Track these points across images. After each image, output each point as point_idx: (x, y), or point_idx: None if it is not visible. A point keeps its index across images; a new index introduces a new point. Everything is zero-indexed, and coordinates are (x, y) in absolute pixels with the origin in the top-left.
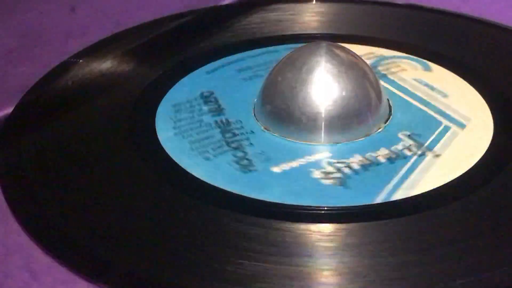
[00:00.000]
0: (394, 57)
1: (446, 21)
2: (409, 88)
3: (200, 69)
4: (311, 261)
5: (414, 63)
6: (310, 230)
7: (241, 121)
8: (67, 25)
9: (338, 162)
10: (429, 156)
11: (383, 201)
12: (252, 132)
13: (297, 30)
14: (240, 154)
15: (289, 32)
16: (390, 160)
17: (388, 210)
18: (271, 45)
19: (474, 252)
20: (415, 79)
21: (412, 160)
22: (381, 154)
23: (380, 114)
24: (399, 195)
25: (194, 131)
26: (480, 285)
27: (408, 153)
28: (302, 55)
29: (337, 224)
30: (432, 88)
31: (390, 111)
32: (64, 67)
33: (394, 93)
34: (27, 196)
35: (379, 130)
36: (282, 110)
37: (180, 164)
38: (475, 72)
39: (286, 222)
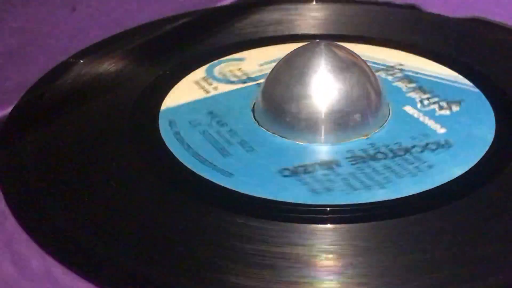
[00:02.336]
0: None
1: (446, 21)
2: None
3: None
4: (291, 260)
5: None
6: (290, 228)
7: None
8: (67, 25)
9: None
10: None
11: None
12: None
13: (297, 30)
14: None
15: (289, 32)
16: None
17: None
18: (271, 45)
19: (474, 253)
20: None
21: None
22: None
23: (380, 114)
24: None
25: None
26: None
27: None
28: (302, 55)
29: (320, 225)
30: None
31: (390, 112)
32: (64, 67)
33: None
34: (27, 196)
35: (376, 132)
36: (281, 109)
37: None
38: (475, 72)
39: (268, 221)
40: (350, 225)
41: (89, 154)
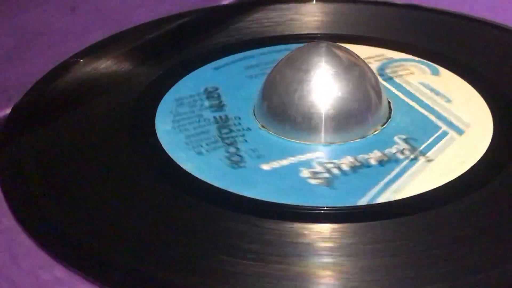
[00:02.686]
0: (403, 59)
1: (446, 21)
2: (414, 92)
3: (208, 65)
4: (285, 259)
5: (423, 66)
6: (286, 228)
7: (239, 118)
8: (67, 25)
9: (329, 163)
10: (421, 160)
11: (367, 203)
12: (249, 129)
13: (297, 30)
14: (232, 150)
15: (289, 32)
16: (381, 163)
17: (371, 213)
18: (271, 45)
19: (474, 253)
20: (421, 83)
21: (404, 164)
22: (373, 156)
23: (380, 114)
24: (383, 198)
25: (191, 126)
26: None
27: (400, 156)
28: (302, 55)
29: (317, 224)
30: (437, 93)
31: (390, 113)
32: (64, 67)
33: (397, 96)
34: (27, 196)
35: (376, 132)
36: (281, 109)
37: (175, 160)
38: (475, 72)
39: (266, 220)
40: (329, 226)
41: (89, 154)
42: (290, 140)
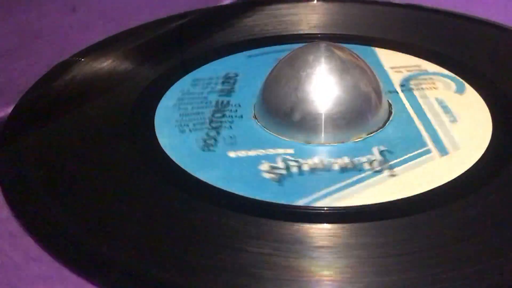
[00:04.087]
0: (434, 73)
1: (446, 21)
2: (423, 106)
3: (208, 65)
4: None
5: (450, 82)
6: (211, 216)
7: (239, 105)
8: (67, 25)
9: (293, 161)
10: (384, 174)
11: (304, 205)
12: (241, 117)
13: (297, 30)
14: (213, 133)
15: (289, 32)
16: (342, 169)
17: (307, 214)
18: (271, 45)
19: (474, 253)
20: (437, 99)
21: (364, 174)
22: (339, 162)
23: (379, 115)
24: (323, 203)
25: (191, 105)
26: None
27: (366, 167)
28: (302, 55)
29: (241, 214)
30: (447, 111)
31: (386, 121)
32: (64, 66)
33: (405, 108)
34: (27, 196)
35: (358, 139)
36: (276, 106)
37: (157, 135)
38: (475, 72)
39: (206, 204)
40: (254, 219)
41: (89, 153)
42: (273, 134)
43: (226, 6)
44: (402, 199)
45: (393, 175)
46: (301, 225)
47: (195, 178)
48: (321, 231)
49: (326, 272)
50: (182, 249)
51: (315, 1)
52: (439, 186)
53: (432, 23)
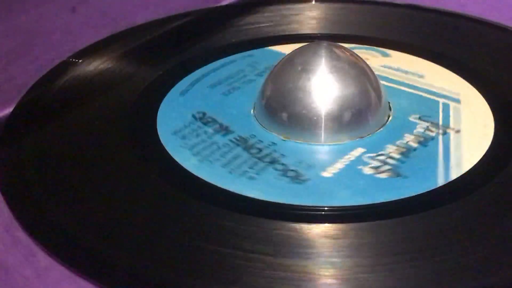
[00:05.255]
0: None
1: (446, 21)
2: (388, 76)
3: (208, 65)
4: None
5: (373, 52)
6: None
7: (254, 135)
8: (67, 25)
9: (377, 155)
10: (451, 132)
11: (445, 183)
12: (274, 143)
13: (297, 30)
14: (280, 167)
15: (289, 32)
16: (421, 143)
17: (451, 191)
18: (271, 45)
19: (474, 253)
20: (383, 66)
21: (440, 139)
22: (409, 139)
23: (381, 112)
24: (454, 174)
25: (215, 155)
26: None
27: (431, 134)
28: (302, 55)
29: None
30: (406, 72)
31: (388, 118)
32: (64, 67)
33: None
34: (27, 196)
35: (357, 139)
36: (279, 108)
37: (183, 165)
38: (475, 72)
39: (206, 204)
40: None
41: (89, 154)
42: (273, 133)
43: (226, 6)
44: (402, 199)
45: (457, 131)
46: (300, 225)
47: (196, 178)
48: (319, 231)
49: (325, 272)
50: (181, 249)
51: (313, 1)
52: (439, 187)
53: (432, 23)
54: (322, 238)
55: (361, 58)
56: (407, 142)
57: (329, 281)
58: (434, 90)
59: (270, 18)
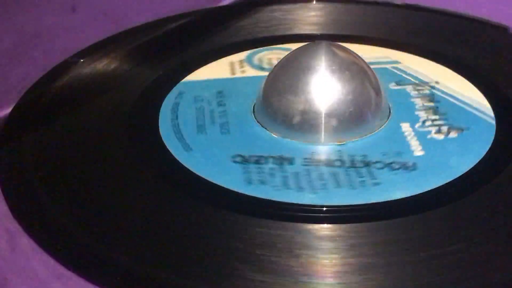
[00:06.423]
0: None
1: (446, 21)
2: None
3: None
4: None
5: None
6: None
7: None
8: (67, 25)
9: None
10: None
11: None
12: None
13: (297, 30)
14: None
15: (289, 32)
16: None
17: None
18: (271, 45)
19: (474, 253)
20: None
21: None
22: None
23: (380, 114)
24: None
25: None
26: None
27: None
28: (302, 55)
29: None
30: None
31: (388, 118)
32: (64, 66)
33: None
34: (27, 196)
35: (357, 139)
36: (279, 108)
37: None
38: (475, 72)
39: (206, 203)
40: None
41: (89, 153)
42: (272, 134)
43: (226, 6)
44: (400, 199)
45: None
46: (296, 224)
47: (198, 177)
48: (317, 231)
49: (325, 272)
50: (181, 249)
51: (314, 2)
52: (437, 187)
53: (432, 23)
54: (322, 238)
55: (361, 58)
56: (449, 130)
57: (329, 281)
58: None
59: (270, 18)
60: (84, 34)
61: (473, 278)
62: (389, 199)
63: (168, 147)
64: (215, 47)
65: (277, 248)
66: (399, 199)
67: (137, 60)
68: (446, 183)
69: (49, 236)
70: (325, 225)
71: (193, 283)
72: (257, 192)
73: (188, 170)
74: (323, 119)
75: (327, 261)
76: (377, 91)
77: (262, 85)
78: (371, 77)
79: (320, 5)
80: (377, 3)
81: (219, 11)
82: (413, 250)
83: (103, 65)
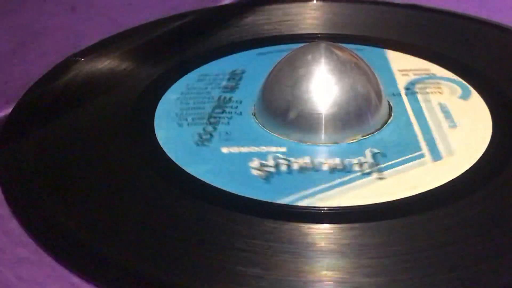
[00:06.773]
0: (441, 78)
1: (446, 21)
2: (425, 111)
3: (207, 64)
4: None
5: (456, 87)
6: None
7: (240, 102)
8: (67, 25)
9: (284, 159)
10: (373, 176)
11: (284, 203)
12: (240, 114)
13: (297, 30)
14: (209, 128)
15: (289, 32)
16: (331, 170)
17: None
18: (271, 45)
19: (474, 253)
20: (440, 103)
21: (352, 176)
22: (330, 162)
23: (378, 117)
24: (305, 202)
25: (194, 100)
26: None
27: (356, 168)
28: (302, 55)
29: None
30: (447, 116)
31: (385, 123)
32: (64, 66)
33: (406, 112)
34: (27, 196)
35: (354, 141)
36: (278, 107)
37: (155, 127)
38: (475, 72)
39: (194, 199)
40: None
41: (89, 153)
42: (270, 132)
43: (226, 6)
44: (386, 202)
45: (381, 178)
46: (282, 223)
47: (186, 173)
48: (302, 230)
49: (325, 272)
50: (180, 249)
51: (314, 1)
52: (426, 191)
53: (432, 23)
54: (322, 238)
55: (361, 58)
56: (323, 163)
57: (330, 281)
58: (437, 141)
59: (270, 18)
60: (84, 33)
61: (473, 278)
62: (389, 199)
63: (162, 143)
64: (215, 47)
65: (277, 248)
66: (399, 199)
67: (137, 60)
68: (446, 183)
69: (49, 236)
70: (325, 225)
71: (193, 283)
72: (257, 192)
73: (188, 170)
74: (323, 119)
75: (327, 261)
76: (377, 92)
77: (262, 84)
78: (371, 78)
79: (320, 5)
80: (377, 3)
81: (219, 11)
82: (413, 250)
83: (103, 65)
